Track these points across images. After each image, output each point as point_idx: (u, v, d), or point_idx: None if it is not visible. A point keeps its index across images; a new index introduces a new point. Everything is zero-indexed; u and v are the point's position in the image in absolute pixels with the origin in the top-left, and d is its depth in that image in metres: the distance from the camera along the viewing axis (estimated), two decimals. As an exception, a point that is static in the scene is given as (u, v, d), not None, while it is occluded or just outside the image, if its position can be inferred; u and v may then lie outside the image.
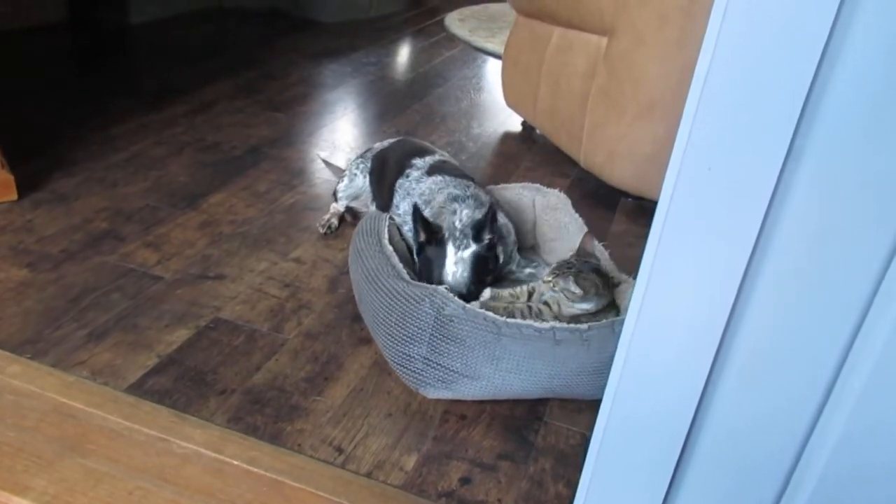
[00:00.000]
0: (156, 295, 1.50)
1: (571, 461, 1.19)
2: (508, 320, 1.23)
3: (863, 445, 0.62)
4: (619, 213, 2.10)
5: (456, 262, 1.45)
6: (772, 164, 0.54)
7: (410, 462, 1.15)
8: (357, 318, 1.48)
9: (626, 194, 2.15)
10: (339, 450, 1.16)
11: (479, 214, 1.51)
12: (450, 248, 1.45)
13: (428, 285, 1.29)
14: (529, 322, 1.23)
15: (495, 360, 1.20)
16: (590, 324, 1.24)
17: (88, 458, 1.08)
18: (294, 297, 1.54)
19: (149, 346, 1.35)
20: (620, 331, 1.20)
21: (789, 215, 0.56)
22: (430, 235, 1.47)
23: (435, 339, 1.20)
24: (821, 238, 0.57)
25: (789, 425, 0.65)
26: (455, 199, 1.54)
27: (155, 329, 1.39)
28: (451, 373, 1.20)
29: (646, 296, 0.62)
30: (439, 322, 1.21)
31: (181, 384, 1.26)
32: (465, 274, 1.45)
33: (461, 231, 1.47)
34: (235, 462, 1.10)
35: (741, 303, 0.61)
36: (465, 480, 1.13)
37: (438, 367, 1.21)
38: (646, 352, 0.65)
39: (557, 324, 1.24)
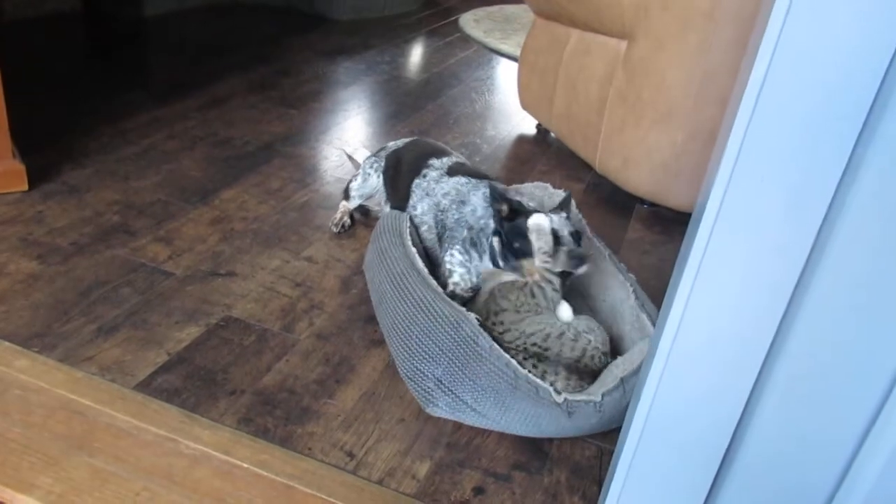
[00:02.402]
0: (166, 291, 1.48)
1: (587, 473, 1.17)
2: (529, 376, 1.18)
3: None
4: (635, 219, 2.07)
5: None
6: (830, 174, 0.51)
7: (423, 470, 1.13)
8: (370, 319, 1.45)
9: (641, 201, 2.12)
10: (351, 455, 1.14)
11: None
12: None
13: (461, 308, 1.25)
14: (547, 386, 1.18)
15: (504, 408, 1.16)
16: (603, 391, 1.19)
17: (95, 457, 1.06)
18: (306, 296, 1.52)
19: (158, 344, 1.33)
20: (631, 388, 1.18)
21: (846, 229, 0.54)
22: (512, 210, 1.46)
23: (453, 366, 1.17)
24: (877, 254, 0.54)
25: (833, 448, 0.62)
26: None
27: (165, 326, 1.37)
28: (460, 402, 1.17)
29: (686, 310, 0.60)
30: (462, 351, 1.18)
31: (191, 383, 1.24)
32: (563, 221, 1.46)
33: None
34: (245, 465, 1.08)
35: (789, 319, 0.58)
36: (478, 490, 1.11)
37: (449, 392, 1.17)
38: (684, 368, 0.63)
39: (570, 396, 1.18)
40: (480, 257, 1.52)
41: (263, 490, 1.04)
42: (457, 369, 1.17)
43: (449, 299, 1.28)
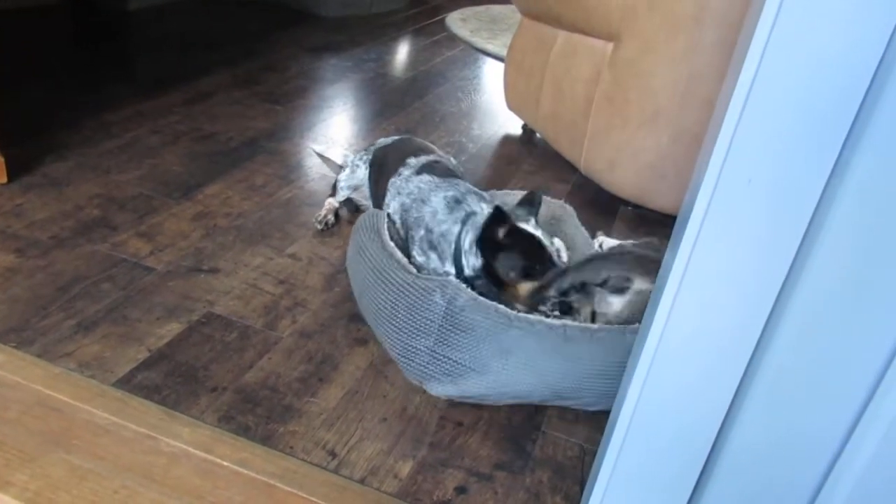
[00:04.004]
0: (147, 287, 1.46)
1: (569, 473, 1.17)
2: (520, 314, 1.22)
3: (891, 474, 0.60)
4: (619, 221, 2.08)
5: (535, 228, 1.47)
6: (817, 177, 0.51)
7: (405, 469, 1.12)
8: (353, 317, 1.45)
9: (625, 202, 2.13)
10: (333, 454, 1.13)
11: (488, 207, 1.52)
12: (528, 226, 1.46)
13: (438, 277, 1.27)
14: (540, 318, 1.23)
15: (504, 353, 1.18)
16: (600, 325, 1.23)
17: (73, 454, 1.04)
18: (289, 294, 1.51)
19: (139, 340, 1.31)
20: (632, 338, 1.19)
21: (831, 231, 0.54)
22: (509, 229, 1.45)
23: (444, 330, 1.19)
24: (862, 256, 0.54)
25: (817, 447, 0.63)
26: (457, 200, 1.53)
27: (145, 322, 1.36)
28: (458, 366, 1.18)
29: (673, 309, 0.60)
30: (450, 312, 1.20)
31: (171, 380, 1.23)
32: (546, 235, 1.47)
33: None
34: (225, 463, 1.07)
35: (774, 319, 0.58)
36: (460, 490, 1.10)
37: (445, 359, 1.19)
38: (670, 366, 0.63)
39: (569, 322, 1.23)
40: (442, 261, 1.51)
41: (244, 488, 1.03)
42: (449, 331, 1.19)
43: (428, 275, 1.31)
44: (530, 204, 1.54)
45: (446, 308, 1.20)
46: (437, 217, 1.52)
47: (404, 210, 1.59)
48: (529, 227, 1.45)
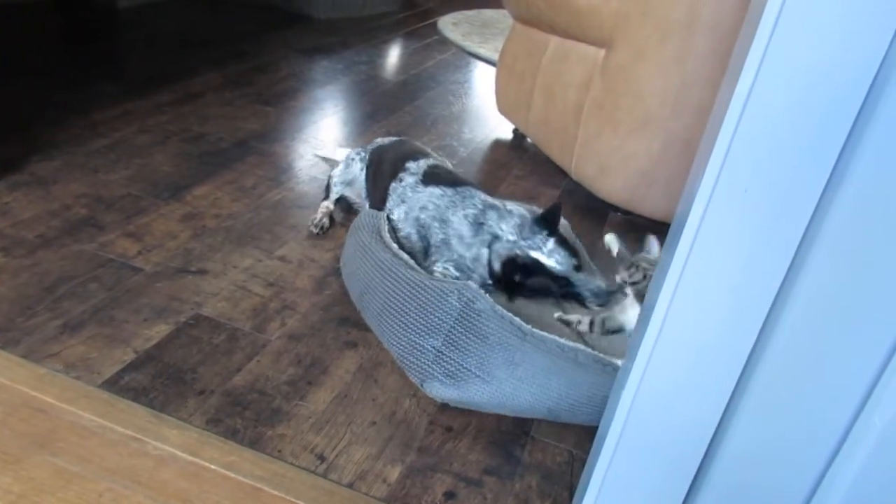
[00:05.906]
0: (135, 287, 1.45)
1: (558, 479, 1.17)
2: (534, 330, 1.23)
3: (883, 481, 0.60)
4: (608, 226, 2.08)
5: (549, 254, 1.47)
6: (813, 186, 0.52)
7: (394, 474, 1.12)
8: (343, 321, 1.44)
9: (615, 208, 2.14)
10: (321, 458, 1.12)
11: (516, 220, 1.53)
12: (537, 255, 1.47)
13: (456, 281, 1.29)
14: (554, 337, 1.23)
15: (513, 365, 1.18)
16: (611, 358, 1.24)
17: (58, 457, 1.03)
18: (278, 296, 1.50)
19: (126, 341, 1.30)
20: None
21: (827, 240, 0.54)
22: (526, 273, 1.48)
23: (455, 333, 1.19)
24: (857, 266, 0.55)
25: (810, 454, 0.63)
26: (478, 221, 1.55)
27: (133, 323, 1.35)
28: (464, 370, 1.18)
29: (668, 316, 0.60)
30: (465, 315, 1.20)
31: (158, 382, 1.21)
32: (564, 253, 1.48)
33: (523, 237, 1.50)
34: (213, 466, 1.06)
35: (769, 327, 0.59)
36: (449, 495, 1.10)
37: (451, 361, 1.19)
38: (664, 372, 0.63)
39: (581, 346, 1.23)
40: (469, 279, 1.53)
41: (231, 492, 1.02)
42: (460, 334, 1.19)
43: (443, 279, 1.31)
44: (548, 221, 1.53)
45: (461, 310, 1.21)
46: (464, 241, 1.54)
47: (420, 226, 1.59)
48: (543, 256, 1.48)
